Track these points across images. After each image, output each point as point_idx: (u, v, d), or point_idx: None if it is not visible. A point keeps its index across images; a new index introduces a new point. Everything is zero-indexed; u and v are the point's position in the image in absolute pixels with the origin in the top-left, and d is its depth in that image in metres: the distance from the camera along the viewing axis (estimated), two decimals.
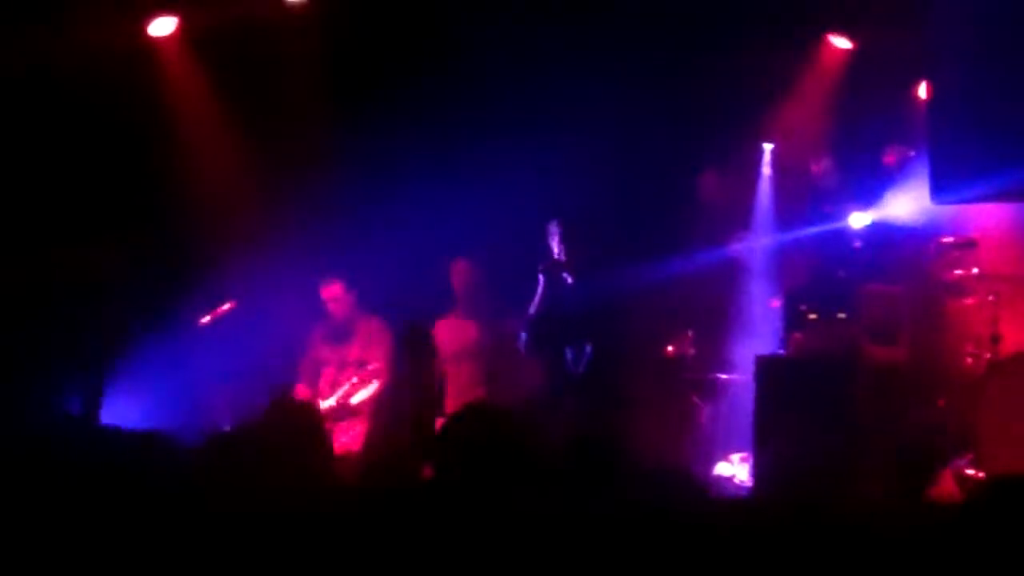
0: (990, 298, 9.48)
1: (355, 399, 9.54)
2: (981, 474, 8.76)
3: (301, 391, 9.57)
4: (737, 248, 10.70)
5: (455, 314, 9.37)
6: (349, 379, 9.56)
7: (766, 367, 9.26)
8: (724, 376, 10.25)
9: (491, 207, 9.86)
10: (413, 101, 10.18)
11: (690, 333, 10.40)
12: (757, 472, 8.78)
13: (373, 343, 9.63)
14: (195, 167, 10.24)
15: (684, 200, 10.73)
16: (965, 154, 8.70)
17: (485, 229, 9.68)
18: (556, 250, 8.36)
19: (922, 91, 10.24)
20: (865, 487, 8.32)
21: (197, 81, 10.23)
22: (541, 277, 8.33)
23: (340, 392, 9.52)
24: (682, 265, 10.06)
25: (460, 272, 9.40)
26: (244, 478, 3.98)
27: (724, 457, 9.87)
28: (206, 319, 9.47)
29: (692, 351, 10.40)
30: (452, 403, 8.65)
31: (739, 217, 10.85)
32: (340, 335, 9.65)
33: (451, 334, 9.18)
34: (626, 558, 3.98)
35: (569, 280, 8.33)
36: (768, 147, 11.07)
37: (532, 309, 8.45)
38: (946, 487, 8.72)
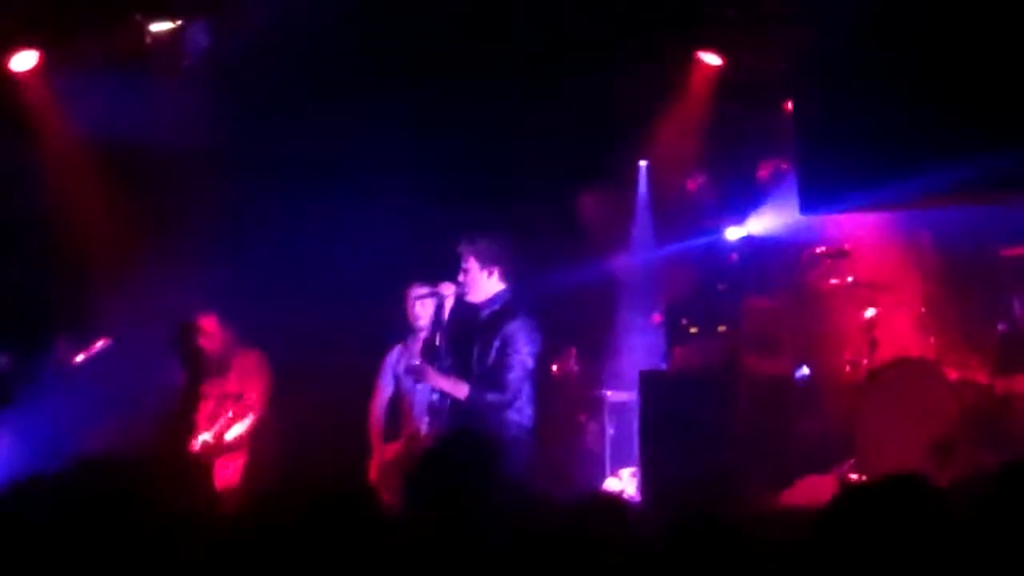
0: (865, 306, 9.60)
1: (230, 434, 9.40)
2: (864, 478, 8.84)
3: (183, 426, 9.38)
4: (617, 264, 10.74)
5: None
6: (226, 413, 9.42)
7: (649, 382, 9.26)
8: (609, 392, 10.23)
9: (378, 230, 9.88)
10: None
11: (573, 350, 10.40)
12: (644, 486, 8.81)
13: (250, 376, 9.50)
14: (62, 203, 10.06)
15: (564, 219, 10.73)
16: (829, 167, 8.82)
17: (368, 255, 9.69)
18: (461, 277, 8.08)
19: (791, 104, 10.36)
20: (749, 497, 8.39)
21: (60, 117, 10.05)
22: (435, 300, 8.08)
23: (216, 427, 9.38)
24: (563, 283, 10.06)
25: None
26: (118, 505, 3.86)
27: (613, 473, 9.87)
28: (80, 357, 9.27)
29: (576, 368, 10.40)
30: None
31: (619, 235, 10.88)
32: (218, 369, 9.50)
33: None
34: None
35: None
36: (643, 164, 11.12)
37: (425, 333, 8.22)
38: (831, 492, 8.78)
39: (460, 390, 7.70)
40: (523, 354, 7.68)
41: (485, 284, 7.90)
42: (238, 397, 9.45)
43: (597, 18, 9.77)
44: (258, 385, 9.47)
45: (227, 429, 9.40)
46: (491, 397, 7.64)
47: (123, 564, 3.68)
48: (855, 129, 8.67)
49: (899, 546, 3.58)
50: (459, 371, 7.81)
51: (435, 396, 7.99)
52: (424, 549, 4.43)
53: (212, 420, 9.39)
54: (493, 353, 7.69)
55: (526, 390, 7.75)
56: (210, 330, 9.40)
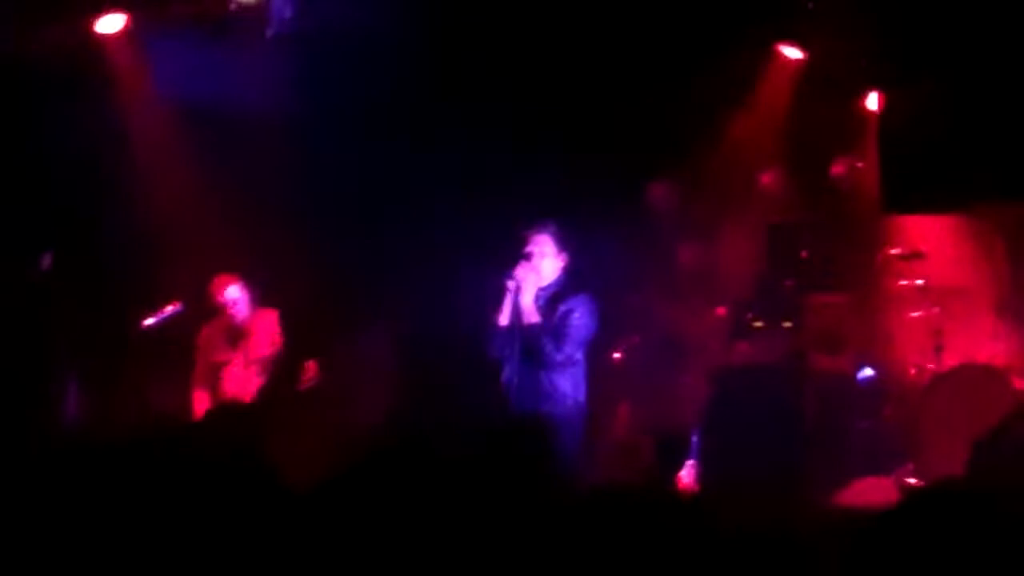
0: (934, 310, 9.56)
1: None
2: (923, 483, 8.82)
3: (199, 398, 9.41)
4: (685, 256, 10.72)
5: None
6: (257, 377, 9.40)
7: (714, 376, 9.27)
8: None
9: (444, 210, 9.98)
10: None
11: (637, 339, 10.40)
12: (704, 479, 8.81)
13: (275, 336, 9.48)
14: (145, 166, 10.16)
15: (635, 209, 10.72)
16: (915, 164, 8.79)
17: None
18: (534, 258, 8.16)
19: (872, 102, 10.31)
20: (812, 495, 8.38)
21: (145, 80, 10.15)
22: (511, 284, 8.12)
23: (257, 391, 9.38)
24: (629, 272, 10.08)
25: None
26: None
27: None
28: (150, 321, 9.32)
29: (638, 358, 10.39)
30: None
31: (689, 226, 10.86)
32: (236, 333, 9.49)
33: None
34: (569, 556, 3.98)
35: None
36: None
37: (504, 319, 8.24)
38: (889, 495, 8.78)
39: (532, 315, 7.87)
40: (580, 324, 7.88)
41: (553, 267, 8.05)
42: (266, 360, 9.42)
43: (681, 7, 9.77)
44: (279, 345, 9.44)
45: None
46: (547, 342, 7.81)
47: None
48: (942, 125, 8.64)
49: (956, 555, 3.59)
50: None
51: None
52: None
53: (242, 387, 9.37)
54: (556, 322, 7.86)
55: (581, 364, 7.93)
56: (235, 295, 9.40)
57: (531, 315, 7.96)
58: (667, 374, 10.19)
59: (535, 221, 8.17)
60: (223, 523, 3.80)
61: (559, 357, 7.92)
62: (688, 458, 9.03)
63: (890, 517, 3.68)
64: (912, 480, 8.92)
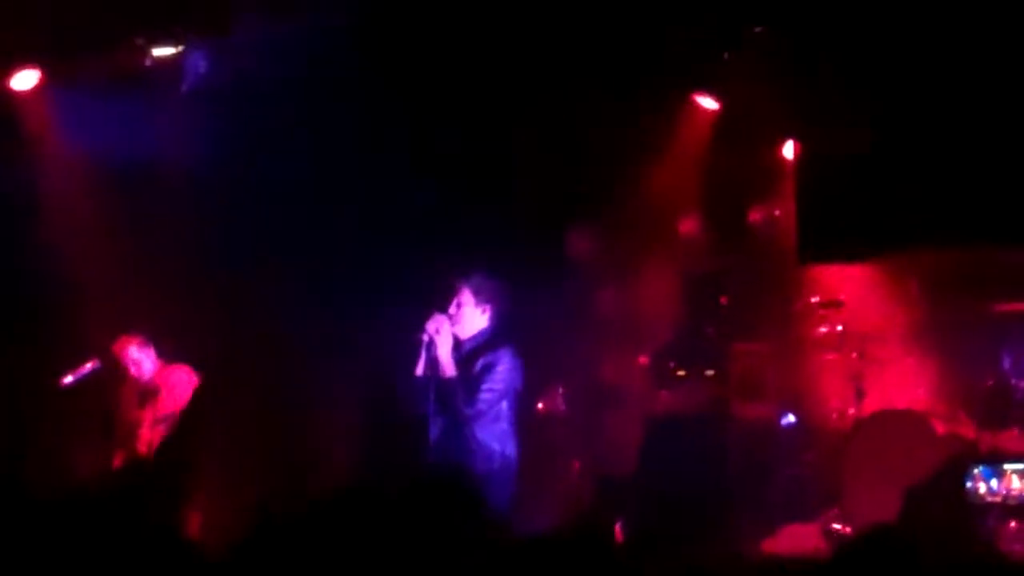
0: (853, 355, 9.64)
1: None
2: (848, 529, 8.86)
3: (117, 457, 9.29)
4: (605, 304, 10.73)
5: None
6: (160, 435, 9.28)
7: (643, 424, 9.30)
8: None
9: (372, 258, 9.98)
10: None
11: (561, 389, 10.37)
12: (628, 528, 8.80)
13: (183, 393, 9.37)
14: (59, 222, 10.05)
15: (553, 258, 10.72)
16: (835, 215, 8.86)
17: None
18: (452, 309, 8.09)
19: (788, 151, 10.40)
20: (733, 543, 8.39)
21: (60, 136, 10.05)
22: (424, 337, 8.05)
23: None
24: (550, 321, 10.06)
25: None
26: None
27: None
28: (69, 379, 9.21)
29: (563, 407, 10.37)
30: None
31: (608, 274, 10.88)
32: (145, 392, 9.38)
33: None
34: None
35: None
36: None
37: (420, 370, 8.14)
38: (813, 541, 8.81)
39: (450, 368, 7.77)
40: (498, 379, 7.78)
41: (475, 320, 7.97)
42: (173, 418, 9.29)
43: (597, 58, 9.80)
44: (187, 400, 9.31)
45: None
46: (460, 396, 7.72)
47: None
48: (856, 174, 8.73)
49: None
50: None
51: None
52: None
53: (149, 445, 9.25)
54: (472, 375, 7.79)
55: (506, 417, 7.84)
56: (136, 356, 9.31)
57: (448, 368, 7.86)
58: (602, 420, 10.16)
59: (454, 272, 8.12)
60: None
61: (470, 411, 7.81)
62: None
63: (830, 566, 3.68)
64: (837, 526, 8.96)
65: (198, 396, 9.24)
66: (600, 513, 9.44)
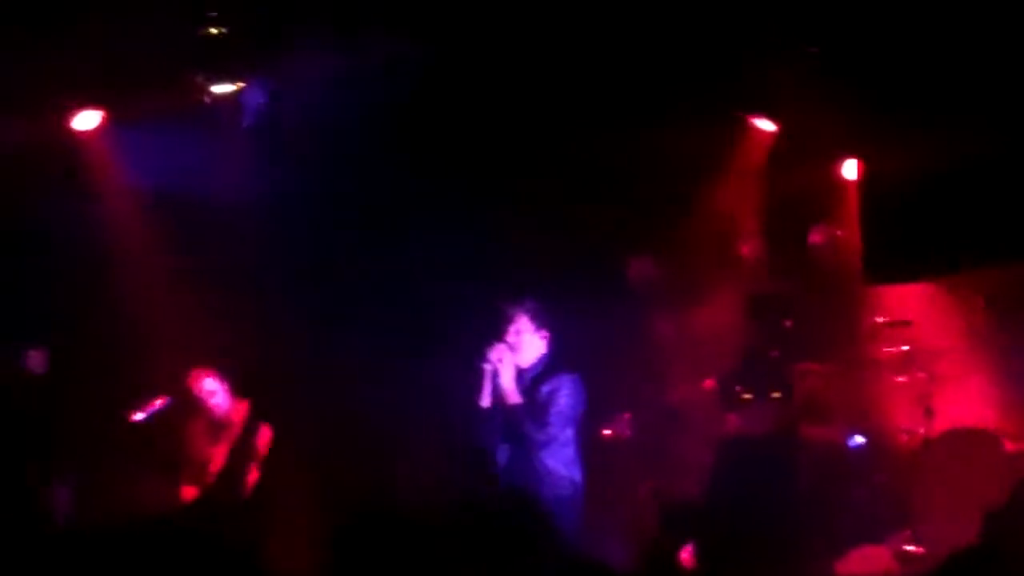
0: (921, 375, 9.56)
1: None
2: (920, 550, 8.79)
3: (187, 493, 9.33)
4: (668, 330, 10.70)
5: None
6: (242, 467, 9.30)
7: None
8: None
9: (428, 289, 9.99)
10: None
11: (628, 415, 10.36)
12: (700, 553, 8.75)
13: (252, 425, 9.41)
14: (124, 260, 10.14)
15: (615, 285, 10.72)
16: (900, 233, 8.81)
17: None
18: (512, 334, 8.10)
19: (848, 170, 10.36)
20: (809, 566, 8.33)
21: (122, 174, 10.14)
22: (487, 367, 8.05)
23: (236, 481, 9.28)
24: (613, 348, 10.05)
25: None
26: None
27: None
28: (139, 416, 9.26)
29: (629, 433, 10.35)
30: None
31: (670, 300, 10.85)
32: (218, 427, 9.42)
33: None
34: None
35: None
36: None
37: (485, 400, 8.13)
38: (885, 563, 8.75)
39: (514, 395, 7.75)
40: (564, 404, 7.82)
41: (534, 346, 8.00)
42: (245, 447, 9.32)
43: (655, 82, 9.81)
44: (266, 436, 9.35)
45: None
46: (528, 423, 7.74)
47: None
48: (921, 192, 8.68)
49: None
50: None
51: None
52: None
53: (228, 477, 9.27)
54: (539, 401, 7.80)
55: (572, 443, 7.86)
56: (211, 388, 9.36)
57: (513, 396, 7.89)
58: (668, 444, 10.13)
59: (513, 300, 8.14)
60: None
61: (541, 437, 7.84)
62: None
63: None
64: (909, 547, 8.88)
65: (270, 434, 9.30)
66: (666, 538, 9.40)
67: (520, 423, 7.83)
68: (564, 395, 7.90)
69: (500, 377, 7.91)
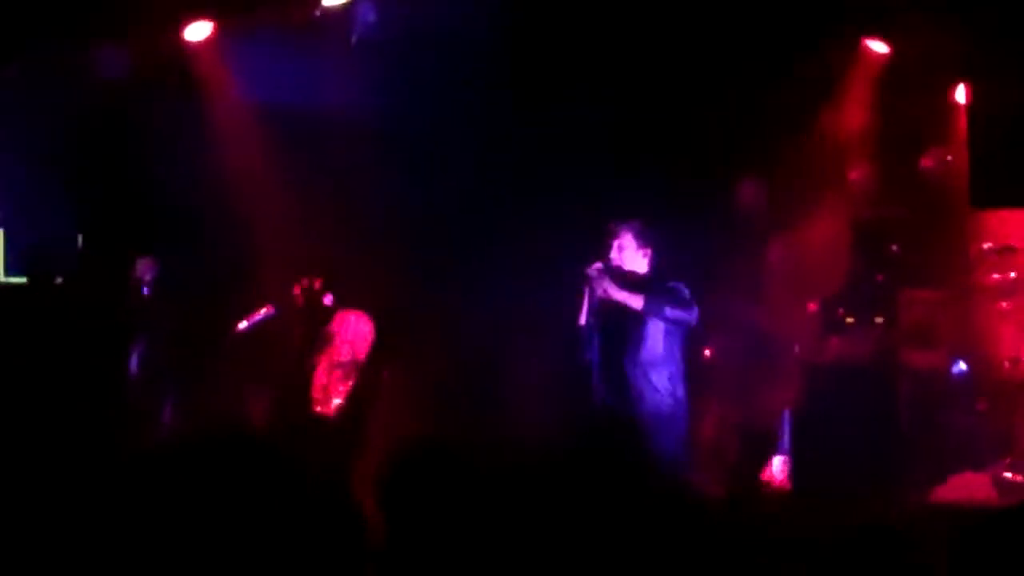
0: None
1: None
2: (1020, 478, 8.73)
3: (291, 402, 9.41)
4: (775, 253, 10.64)
5: None
6: (341, 381, 9.35)
7: (806, 372, 9.23)
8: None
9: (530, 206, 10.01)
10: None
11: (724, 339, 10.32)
12: (797, 476, 8.77)
13: (359, 338, 9.42)
14: (232, 171, 10.25)
15: (722, 205, 10.67)
16: (1005, 157, 8.68)
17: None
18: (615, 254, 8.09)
19: (960, 95, 10.21)
20: (904, 492, 8.32)
21: (232, 86, 10.25)
22: (592, 272, 8.03)
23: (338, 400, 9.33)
24: (718, 270, 10.03)
25: None
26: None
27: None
28: (243, 325, 9.37)
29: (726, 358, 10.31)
30: None
31: (777, 223, 10.78)
32: (323, 337, 9.46)
33: None
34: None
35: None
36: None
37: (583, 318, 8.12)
38: (985, 491, 8.70)
39: (636, 300, 7.78)
40: (682, 300, 7.81)
41: (636, 264, 7.98)
42: (353, 364, 9.33)
43: (766, 4, 9.72)
44: (367, 347, 9.34)
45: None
46: (669, 309, 7.73)
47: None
48: None
49: None
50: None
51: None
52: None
53: (326, 391, 9.31)
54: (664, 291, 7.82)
55: (677, 360, 7.85)
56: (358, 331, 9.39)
57: (634, 301, 7.85)
58: (754, 373, 10.09)
59: (620, 218, 8.14)
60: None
61: (688, 315, 7.83)
62: (775, 454, 8.98)
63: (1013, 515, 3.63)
64: (1009, 475, 8.83)
65: (377, 345, 9.33)
66: (747, 464, 9.41)
67: (659, 313, 7.78)
68: (682, 294, 7.90)
69: (604, 289, 7.88)
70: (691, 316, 7.84)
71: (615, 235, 8.05)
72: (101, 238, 10.21)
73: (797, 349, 9.89)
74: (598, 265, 7.94)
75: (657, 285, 7.90)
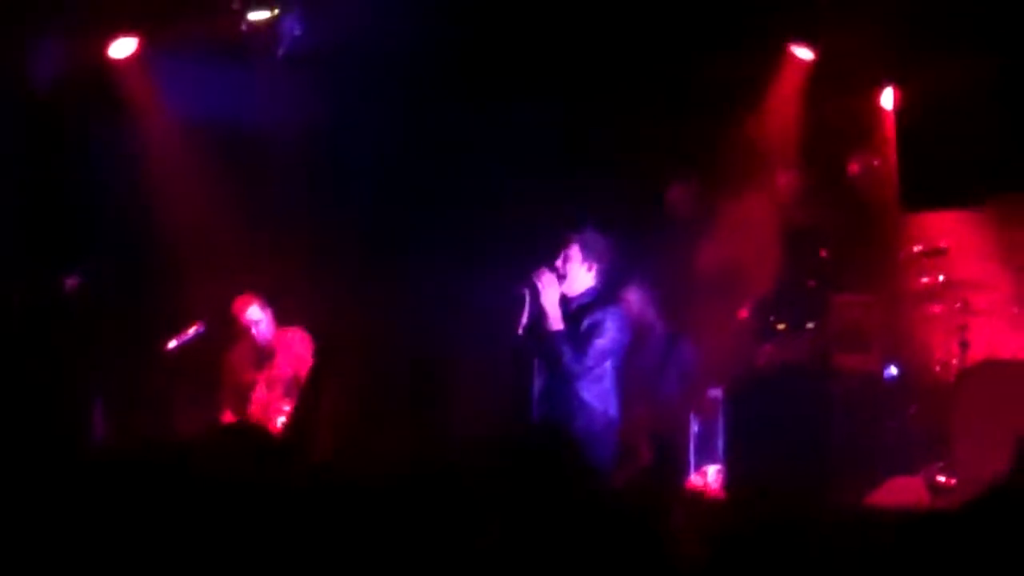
0: (957, 305, 9.51)
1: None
2: (952, 481, 8.78)
3: (228, 418, 9.39)
4: (704, 259, 10.67)
5: None
6: (281, 398, 9.35)
7: (737, 379, 9.24)
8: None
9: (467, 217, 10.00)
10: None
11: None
12: (729, 484, 8.77)
13: (299, 355, 9.43)
14: (159, 187, 10.19)
15: (651, 214, 10.70)
16: (934, 159, 8.73)
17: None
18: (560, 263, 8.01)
19: (886, 99, 10.27)
20: (837, 497, 8.34)
21: (158, 102, 10.18)
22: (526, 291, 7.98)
23: (282, 418, 9.30)
24: (650, 278, 10.03)
25: None
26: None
27: (697, 470, 9.79)
28: (173, 343, 9.33)
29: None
30: None
31: (706, 229, 10.81)
32: (261, 354, 9.46)
33: None
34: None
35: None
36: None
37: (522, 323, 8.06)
38: (917, 494, 8.74)
39: (557, 322, 7.73)
40: (607, 337, 7.74)
41: (582, 277, 7.93)
42: (294, 380, 9.35)
43: (692, 10, 9.75)
44: (308, 364, 9.35)
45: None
46: (567, 351, 7.67)
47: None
48: (958, 119, 8.59)
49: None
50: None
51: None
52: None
53: (267, 409, 9.31)
54: (581, 331, 7.75)
55: (610, 376, 7.81)
56: (256, 316, 9.38)
57: (555, 321, 7.80)
58: (660, 377, 10.06)
59: (565, 225, 8.08)
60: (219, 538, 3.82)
61: (577, 368, 7.76)
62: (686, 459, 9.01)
63: (957, 518, 3.64)
64: (942, 478, 8.87)
65: (317, 360, 9.31)
66: (659, 467, 9.38)
67: (558, 350, 7.75)
68: (610, 327, 7.81)
69: (543, 300, 7.82)
70: (580, 366, 7.77)
71: (564, 244, 7.97)
72: (29, 251, 10.10)
73: (713, 355, 9.90)
74: (545, 271, 7.87)
75: (591, 313, 7.85)
